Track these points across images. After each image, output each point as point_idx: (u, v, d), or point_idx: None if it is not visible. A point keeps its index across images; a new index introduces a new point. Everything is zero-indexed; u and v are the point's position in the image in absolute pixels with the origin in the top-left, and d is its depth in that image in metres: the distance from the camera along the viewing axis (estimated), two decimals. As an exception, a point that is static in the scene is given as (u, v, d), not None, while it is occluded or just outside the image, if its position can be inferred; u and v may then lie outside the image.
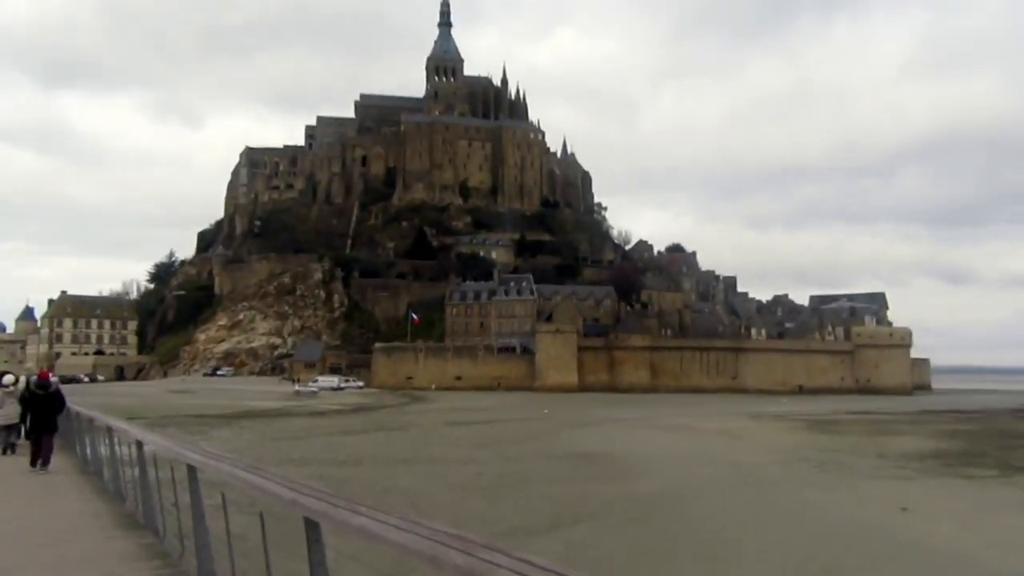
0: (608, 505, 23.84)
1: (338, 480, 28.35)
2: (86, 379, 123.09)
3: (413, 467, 33.03)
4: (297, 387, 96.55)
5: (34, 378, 16.95)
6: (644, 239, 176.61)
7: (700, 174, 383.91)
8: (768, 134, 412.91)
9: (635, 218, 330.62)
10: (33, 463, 14.93)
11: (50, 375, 17.83)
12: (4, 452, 17.17)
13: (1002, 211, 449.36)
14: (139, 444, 10.05)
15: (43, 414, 15.37)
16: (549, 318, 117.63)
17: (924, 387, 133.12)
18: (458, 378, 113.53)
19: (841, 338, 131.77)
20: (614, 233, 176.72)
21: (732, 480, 29.31)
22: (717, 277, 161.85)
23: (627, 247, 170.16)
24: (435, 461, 34.96)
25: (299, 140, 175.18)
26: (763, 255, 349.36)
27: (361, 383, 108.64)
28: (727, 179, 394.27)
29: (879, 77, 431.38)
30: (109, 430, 12.66)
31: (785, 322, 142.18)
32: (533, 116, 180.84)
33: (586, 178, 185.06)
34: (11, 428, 17.06)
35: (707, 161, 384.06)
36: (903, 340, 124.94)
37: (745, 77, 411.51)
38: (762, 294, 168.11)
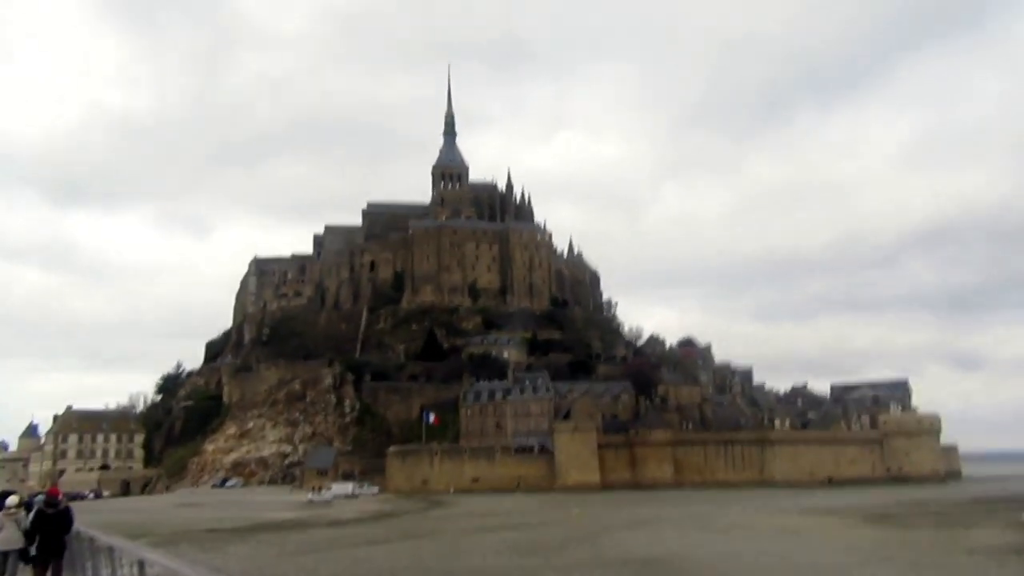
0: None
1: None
2: (91, 495, 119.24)
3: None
4: (311, 496, 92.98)
5: (40, 498, 16.19)
6: (655, 334, 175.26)
7: (705, 269, 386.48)
8: (771, 228, 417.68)
9: (643, 314, 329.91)
10: None
11: (59, 493, 16.91)
12: None
13: (1009, 296, 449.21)
14: (140, 564, 9.11)
15: (52, 535, 14.63)
16: (567, 416, 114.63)
17: (954, 474, 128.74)
18: (475, 480, 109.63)
19: (867, 427, 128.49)
20: (625, 329, 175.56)
21: None
22: (733, 370, 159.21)
23: (639, 343, 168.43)
24: (479, 573, 32.13)
25: (307, 248, 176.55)
26: (773, 347, 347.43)
27: (376, 489, 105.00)
28: (733, 273, 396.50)
29: (878, 169, 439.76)
30: (132, 561, 11.51)
31: (807, 412, 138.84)
32: (539, 217, 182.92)
33: (594, 276, 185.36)
34: (10, 554, 15.54)
35: (712, 256, 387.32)
36: (932, 427, 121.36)
37: (745, 172, 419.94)
38: (777, 385, 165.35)
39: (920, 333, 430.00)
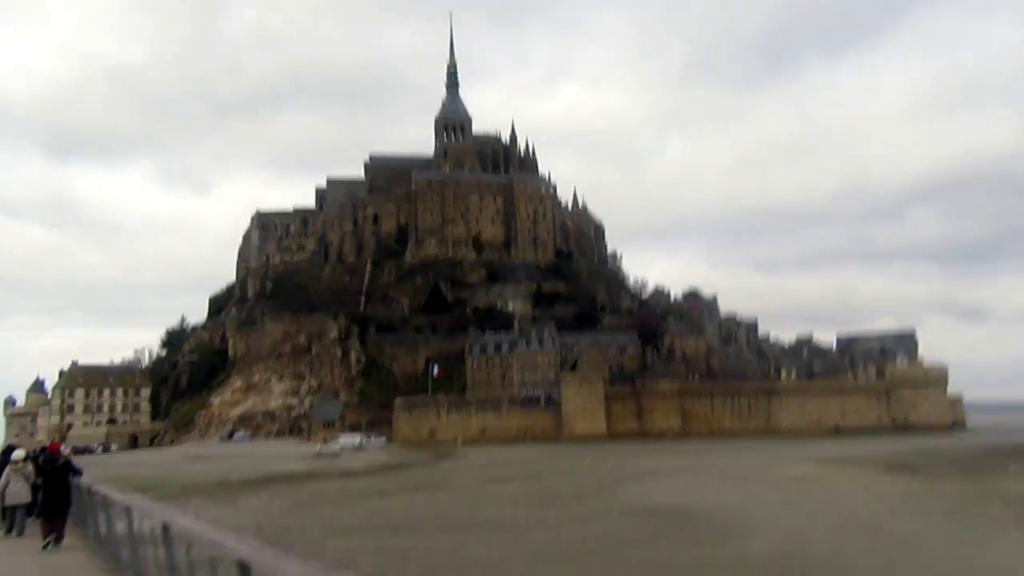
0: (736, 574, 20.52)
1: (400, 552, 25.21)
2: (99, 449, 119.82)
3: (478, 533, 29.70)
4: (319, 447, 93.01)
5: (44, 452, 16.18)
6: (660, 286, 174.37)
7: (709, 220, 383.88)
8: (775, 178, 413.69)
9: (646, 266, 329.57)
10: (45, 538, 14.13)
11: (61, 447, 16.80)
12: (9, 532, 15.52)
13: (1015, 247, 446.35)
14: (165, 527, 8.15)
15: (54, 490, 14.60)
16: (573, 367, 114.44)
17: (959, 424, 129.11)
18: (482, 431, 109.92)
19: (873, 377, 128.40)
20: (630, 281, 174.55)
21: (861, 538, 25.80)
22: (739, 321, 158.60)
23: (644, 295, 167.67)
24: (499, 525, 31.59)
25: (309, 202, 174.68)
26: (776, 298, 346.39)
27: (383, 440, 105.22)
28: (736, 224, 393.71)
29: (886, 118, 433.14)
30: (128, 510, 10.94)
31: (813, 363, 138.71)
32: (543, 169, 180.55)
33: (599, 228, 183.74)
34: (18, 508, 15.58)
35: (715, 207, 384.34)
36: (939, 378, 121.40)
37: (750, 123, 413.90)
38: (780, 335, 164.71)
39: (925, 284, 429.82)
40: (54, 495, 14.51)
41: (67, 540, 13.96)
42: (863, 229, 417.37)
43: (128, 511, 10.76)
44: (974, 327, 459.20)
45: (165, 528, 7.94)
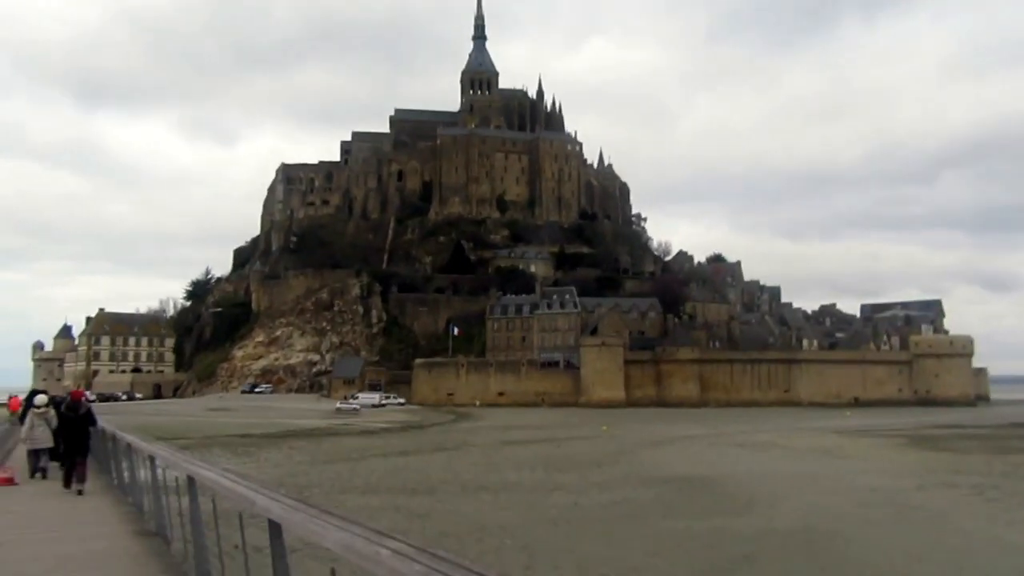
0: (758, 546, 20.35)
1: (418, 514, 25.26)
2: (124, 397, 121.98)
3: (496, 495, 29.75)
4: (339, 404, 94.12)
5: (67, 399, 16.54)
6: (683, 250, 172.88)
7: (735, 183, 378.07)
8: (804, 141, 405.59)
9: (669, 229, 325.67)
10: (67, 485, 14.53)
11: (84, 395, 17.77)
12: (34, 475, 16.18)
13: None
14: (190, 480, 7.95)
15: (75, 437, 14.88)
16: (593, 331, 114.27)
17: (983, 397, 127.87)
18: (501, 394, 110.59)
19: (897, 348, 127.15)
20: (654, 244, 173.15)
21: (886, 512, 25.50)
22: (762, 287, 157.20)
23: (667, 258, 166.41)
24: (517, 488, 31.65)
25: (334, 156, 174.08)
26: (799, 265, 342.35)
27: (402, 400, 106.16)
28: (762, 188, 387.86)
29: (920, 79, 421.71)
30: (151, 459, 10.99)
31: (836, 332, 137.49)
32: (569, 127, 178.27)
33: (624, 189, 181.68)
34: (41, 452, 16.20)
35: (742, 170, 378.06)
36: (964, 349, 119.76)
37: (782, 83, 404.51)
38: (803, 304, 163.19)
39: (952, 253, 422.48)
40: (74, 442, 14.77)
41: (90, 485, 14.25)
42: (892, 194, 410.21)
43: (151, 460, 10.81)
44: (1000, 297, 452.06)
45: (190, 480, 7.83)
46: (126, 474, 13.53)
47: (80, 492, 14.01)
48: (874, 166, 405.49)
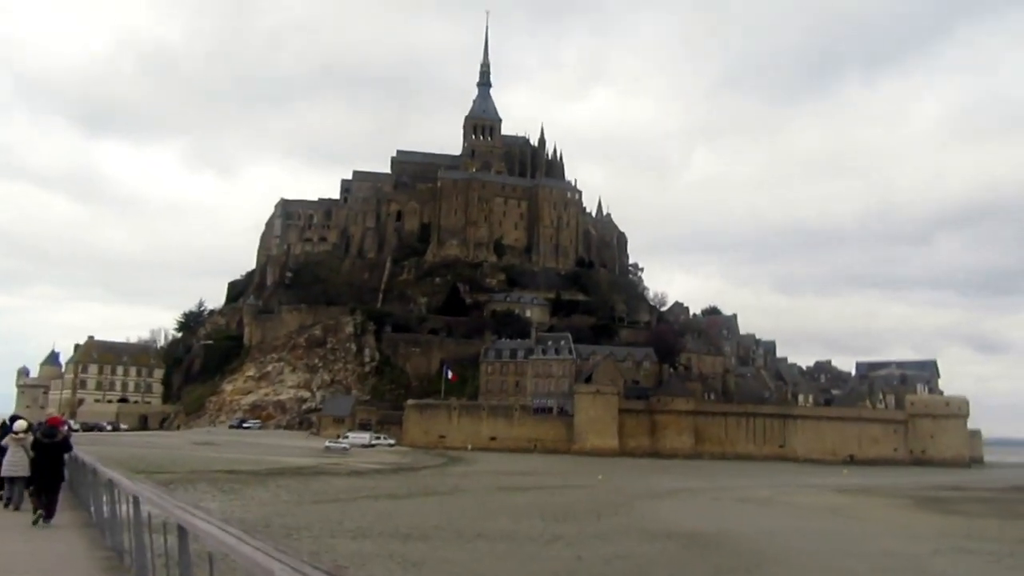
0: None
1: (412, 562, 24.22)
2: (108, 427, 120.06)
3: (493, 544, 28.63)
4: (328, 443, 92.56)
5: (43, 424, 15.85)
6: (679, 301, 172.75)
7: (730, 237, 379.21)
8: (801, 197, 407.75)
9: (665, 280, 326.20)
10: (37, 519, 13.61)
11: (61, 422, 16.65)
12: (7, 506, 15.15)
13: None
14: (181, 531, 7.06)
15: (47, 464, 14.28)
16: (588, 379, 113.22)
17: (978, 460, 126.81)
18: (493, 438, 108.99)
19: (892, 407, 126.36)
20: (650, 294, 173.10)
21: None
22: (757, 341, 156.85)
23: (663, 309, 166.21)
24: (514, 537, 30.51)
25: (334, 193, 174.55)
26: (794, 320, 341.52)
27: (392, 441, 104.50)
28: (758, 242, 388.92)
29: (919, 140, 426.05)
30: (135, 500, 9.76)
31: (831, 389, 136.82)
32: (569, 175, 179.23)
33: (621, 238, 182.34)
34: (16, 480, 15.14)
35: (738, 224, 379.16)
36: (960, 410, 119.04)
37: (780, 139, 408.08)
38: (797, 359, 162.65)
39: (946, 314, 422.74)
40: (46, 470, 14.13)
41: (64, 518, 13.47)
42: (887, 254, 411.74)
43: (135, 501, 9.66)
44: (991, 360, 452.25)
45: (181, 531, 6.99)
46: (106, 510, 12.42)
47: (40, 522, 13.23)
48: (871, 225, 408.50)
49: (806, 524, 36.83)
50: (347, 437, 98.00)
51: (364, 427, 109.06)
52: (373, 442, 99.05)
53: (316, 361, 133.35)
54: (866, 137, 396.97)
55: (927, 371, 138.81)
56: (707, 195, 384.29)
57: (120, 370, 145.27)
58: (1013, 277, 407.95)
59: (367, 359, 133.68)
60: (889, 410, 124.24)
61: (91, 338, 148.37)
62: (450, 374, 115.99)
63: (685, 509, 42.25)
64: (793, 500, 48.04)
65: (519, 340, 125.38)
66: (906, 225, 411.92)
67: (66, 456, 15.02)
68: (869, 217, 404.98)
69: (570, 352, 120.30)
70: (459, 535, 30.82)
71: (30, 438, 15.14)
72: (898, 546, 30.60)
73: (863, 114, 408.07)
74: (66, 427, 16.99)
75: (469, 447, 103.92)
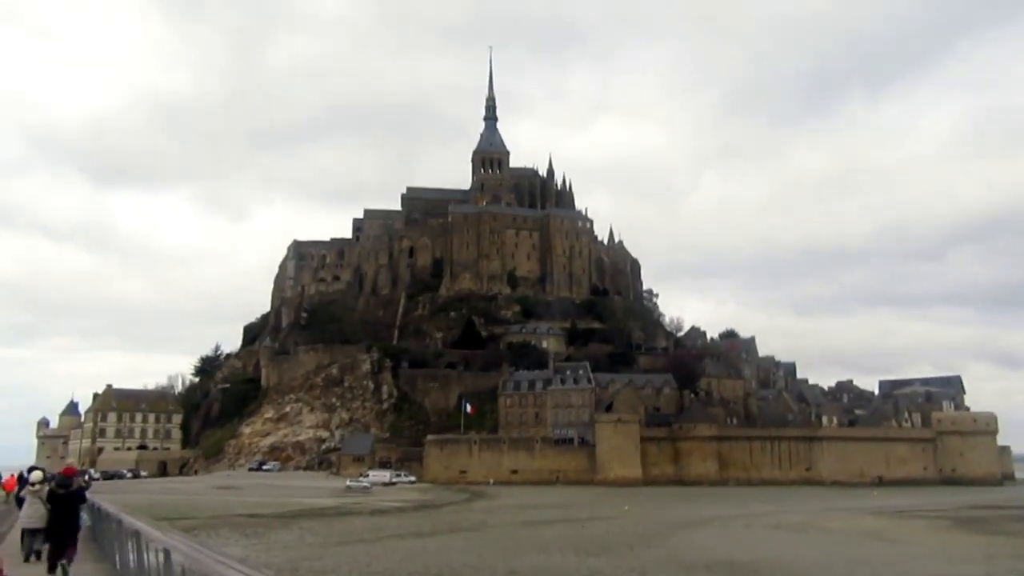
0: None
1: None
2: (128, 475, 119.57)
3: (526, 583, 27.93)
4: (349, 482, 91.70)
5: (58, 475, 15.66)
6: (696, 325, 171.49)
7: (743, 260, 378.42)
8: (812, 218, 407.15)
9: (680, 305, 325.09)
10: (52, 569, 13.48)
11: (77, 472, 16.72)
12: (28, 559, 14.87)
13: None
14: None
15: (62, 515, 14.15)
16: (609, 408, 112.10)
17: (1009, 476, 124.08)
18: (514, 472, 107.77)
19: (918, 425, 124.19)
20: (666, 320, 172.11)
21: None
22: (777, 363, 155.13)
23: (680, 334, 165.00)
24: (548, 573, 29.75)
25: (346, 233, 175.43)
26: (810, 341, 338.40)
27: (413, 478, 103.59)
28: (771, 265, 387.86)
29: (927, 157, 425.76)
30: (167, 553, 9.25)
31: (855, 409, 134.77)
32: (579, 204, 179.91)
33: (635, 265, 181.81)
34: (36, 532, 14.90)
35: (750, 246, 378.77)
36: (988, 426, 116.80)
37: (788, 160, 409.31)
38: (817, 380, 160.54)
39: (964, 330, 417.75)
40: (61, 521, 13.97)
41: (86, 570, 13.19)
42: (901, 271, 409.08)
43: (167, 554, 9.15)
44: (1015, 373, 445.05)
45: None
46: (131, 560, 11.90)
47: (65, 573, 12.98)
48: (883, 243, 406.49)
49: (845, 550, 35.76)
50: (367, 476, 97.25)
51: (384, 465, 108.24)
52: (394, 480, 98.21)
53: (334, 400, 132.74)
54: (873, 156, 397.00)
55: (952, 387, 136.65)
56: (717, 219, 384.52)
57: (139, 417, 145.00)
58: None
59: (385, 396, 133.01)
60: (916, 428, 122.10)
61: (109, 386, 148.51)
62: (469, 408, 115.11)
63: (719, 538, 41.19)
64: (828, 525, 46.80)
65: (537, 371, 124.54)
66: (919, 242, 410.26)
67: (84, 505, 14.83)
68: (881, 235, 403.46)
69: (589, 381, 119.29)
70: (492, 572, 30.06)
71: (46, 489, 14.96)
72: (948, 570, 29.59)
73: (869, 133, 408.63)
74: (86, 476, 16.81)
75: (491, 481, 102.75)
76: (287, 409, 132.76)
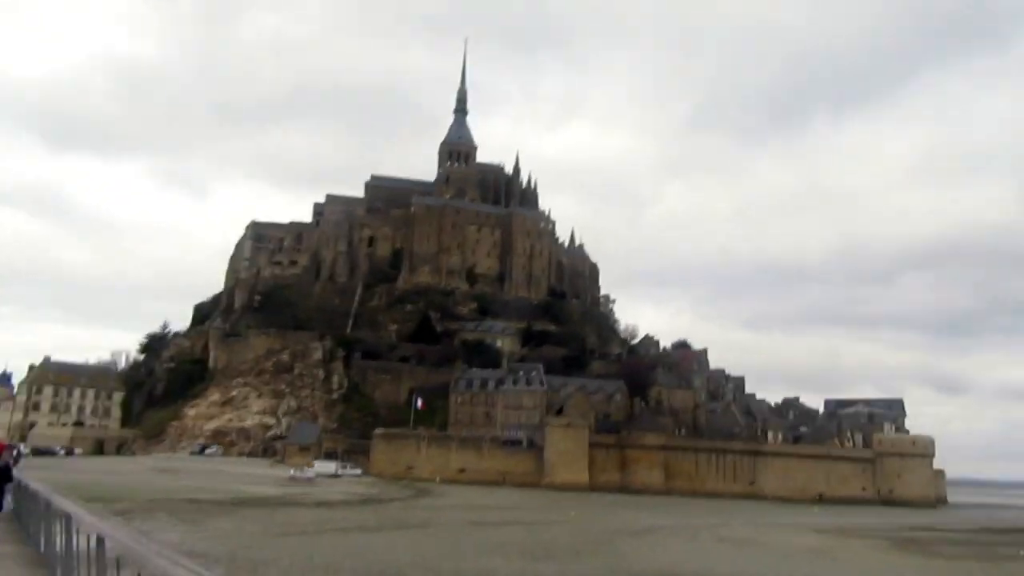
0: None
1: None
2: (62, 452, 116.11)
3: (473, 585, 27.41)
4: (293, 472, 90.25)
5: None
6: (650, 334, 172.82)
7: (699, 272, 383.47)
8: (770, 235, 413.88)
9: (635, 313, 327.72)
10: None
11: (5, 447, 17.13)
12: None
13: (999, 320, 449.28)
14: None
15: None
16: (560, 411, 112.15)
17: (942, 499, 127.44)
18: (461, 470, 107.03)
19: (860, 445, 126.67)
20: (621, 327, 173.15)
21: None
22: (727, 376, 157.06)
23: (634, 342, 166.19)
24: (495, 578, 29.31)
25: (306, 217, 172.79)
26: (761, 357, 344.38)
27: (359, 471, 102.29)
28: (727, 278, 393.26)
29: (885, 182, 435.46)
30: (100, 541, 8.42)
31: (800, 426, 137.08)
32: (543, 205, 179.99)
33: (594, 270, 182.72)
34: None
35: (708, 259, 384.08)
36: (926, 450, 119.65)
37: (751, 176, 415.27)
38: (764, 395, 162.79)
39: (908, 354, 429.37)
40: None
41: (6, 551, 12.62)
42: (854, 293, 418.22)
43: (100, 541, 8.39)
44: (952, 400, 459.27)
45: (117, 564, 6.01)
46: (59, 547, 10.94)
47: None
48: (837, 264, 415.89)
49: (789, 567, 36.06)
50: (313, 466, 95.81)
51: (330, 456, 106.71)
52: (339, 472, 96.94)
53: (283, 387, 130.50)
54: (834, 176, 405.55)
55: (894, 410, 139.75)
56: (678, 230, 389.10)
57: (77, 393, 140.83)
58: (975, 318, 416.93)
59: (335, 386, 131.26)
60: (857, 448, 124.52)
61: (47, 358, 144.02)
62: (420, 403, 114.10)
63: (665, 548, 41.22)
64: (772, 540, 47.26)
65: (490, 370, 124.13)
66: (872, 264, 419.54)
67: (8, 485, 14.17)
68: (835, 256, 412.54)
69: (541, 383, 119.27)
70: (437, 573, 29.50)
71: None
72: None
73: (831, 153, 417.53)
74: (16, 451, 16.00)
75: (437, 479, 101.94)
76: (234, 393, 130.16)
